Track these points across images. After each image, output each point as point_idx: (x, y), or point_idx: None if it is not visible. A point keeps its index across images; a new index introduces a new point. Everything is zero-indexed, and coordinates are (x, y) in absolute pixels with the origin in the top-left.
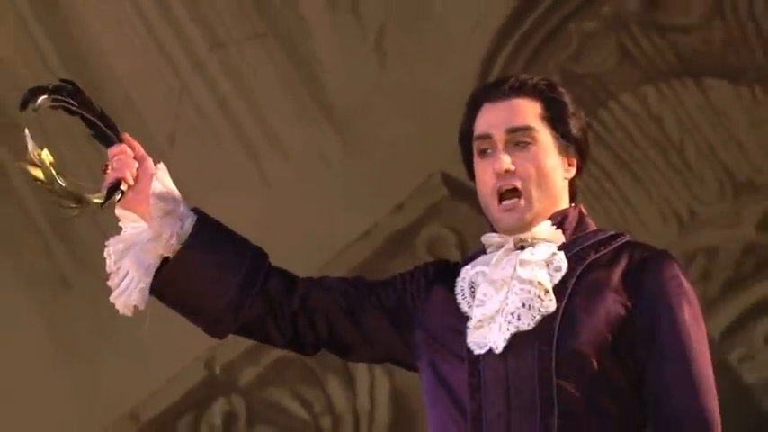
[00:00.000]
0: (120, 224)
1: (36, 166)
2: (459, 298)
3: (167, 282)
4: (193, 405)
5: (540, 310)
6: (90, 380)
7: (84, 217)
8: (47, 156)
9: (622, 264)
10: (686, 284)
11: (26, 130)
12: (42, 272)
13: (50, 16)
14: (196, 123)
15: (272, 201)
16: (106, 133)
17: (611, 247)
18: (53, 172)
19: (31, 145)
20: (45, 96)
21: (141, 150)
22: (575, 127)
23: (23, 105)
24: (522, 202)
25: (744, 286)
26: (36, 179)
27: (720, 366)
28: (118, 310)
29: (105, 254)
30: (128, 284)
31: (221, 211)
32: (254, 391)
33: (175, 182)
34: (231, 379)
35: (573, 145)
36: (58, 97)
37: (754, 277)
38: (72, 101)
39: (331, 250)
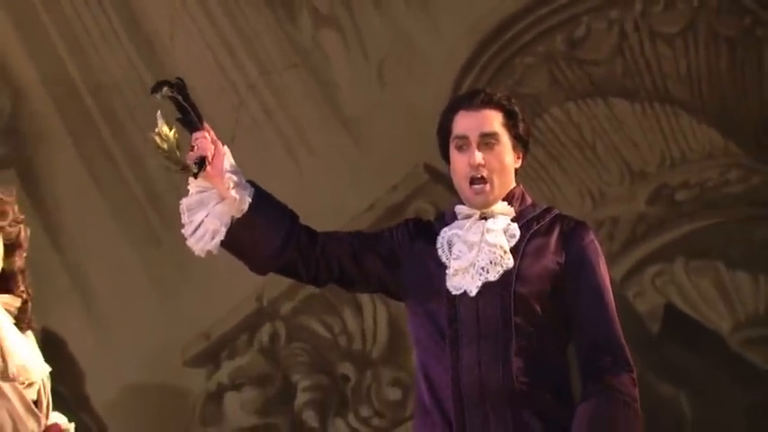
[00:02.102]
0: (188, 188)
1: (162, 139)
2: (439, 251)
3: (233, 235)
4: (248, 328)
5: (502, 266)
6: (175, 309)
7: (171, 191)
8: (173, 133)
9: (556, 232)
10: (598, 246)
11: (158, 112)
12: (141, 232)
13: (146, 48)
14: (249, 127)
15: (303, 184)
16: (194, 120)
17: (547, 220)
18: (174, 145)
19: (160, 123)
20: (166, 87)
21: (215, 136)
22: (523, 131)
23: (153, 91)
24: (488, 187)
25: (636, 244)
26: (159, 148)
27: (621, 301)
28: (195, 262)
29: (180, 210)
30: (203, 235)
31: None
32: (291, 318)
33: None
34: (275, 309)
35: (521, 143)
36: (173, 89)
37: (643, 238)
38: (180, 94)
39: (344, 219)
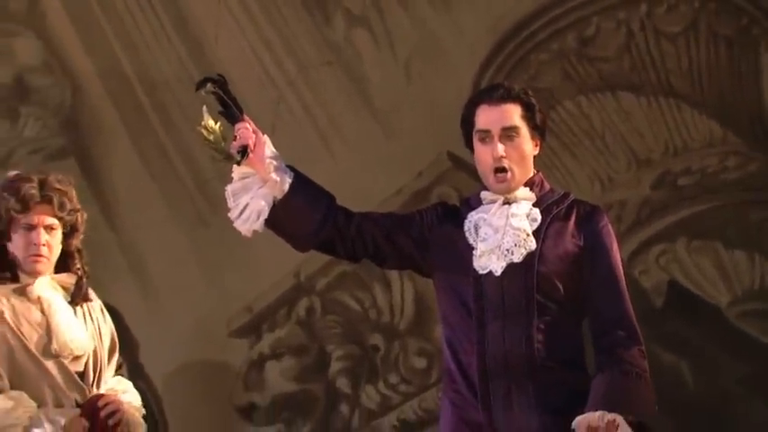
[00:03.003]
0: (232, 175)
1: (208, 131)
2: (467, 234)
3: (275, 214)
4: (286, 302)
5: (525, 248)
6: (219, 285)
7: (217, 178)
8: (218, 126)
9: (573, 216)
10: (612, 230)
11: (204, 107)
12: (189, 215)
13: (194, 48)
14: (288, 119)
15: (337, 170)
16: (235, 112)
17: (565, 205)
18: (221, 137)
19: (206, 117)
20: (210, 84)
21: (255, 127)
22: (540, 121)
23: (198, 88)
24: (509, 175)
25: (642, 226)
26: (206, 140)
27: (627, 278)
28: (238, 242)
29: (226, 195)
30: (248, 216)
31: None
32: (326, 293)
33: None
34: (311, 285)
35: (539, 132)
36: (216, 85)
37: (648, 220)
38: (221, 89)
39: (374, 203)
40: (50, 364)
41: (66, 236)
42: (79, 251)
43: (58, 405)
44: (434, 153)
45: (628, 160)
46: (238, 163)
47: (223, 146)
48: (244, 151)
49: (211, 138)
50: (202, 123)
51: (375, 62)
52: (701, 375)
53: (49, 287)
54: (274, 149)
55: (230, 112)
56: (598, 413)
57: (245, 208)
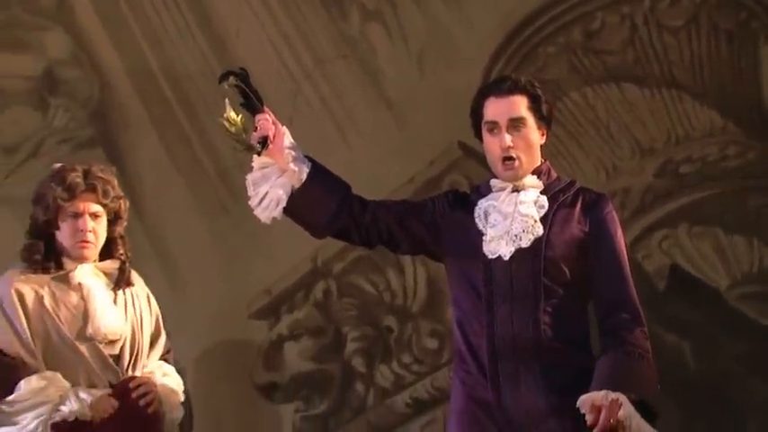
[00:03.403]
0: (252, 164)
1: (230, 123)
2: (477, 220)
3: (293, 202)
4: (304, 285)
5: (533, 234)
6: (240, 269)
7: (237, 168)
8: (239, 118)
9: (579, 203)
10: (616, 216)
11: (226, 100)
12: (211, 203)
13: (216, 43)
14: (306, 110)
15: (352, 159)
16: (256, 104)
17: (571, 192)
18: (242, 129)
19: (228, 109)
20: (232, 77)
21: (275, 118)
22: (547, 111)
23: (221, 81)
24: (517, 163)
25: (645, 212)
26: (227, 131)
27: (631, 263)
28: (258, 229)
29: (246, 184)
30: (267, 204)
31: None
32: (342, 277)
33: None
34: (328, 269)
35: (545, 122)
36: (238, 78)
37: (651, 207)
38: (243, 82)
39: (387, 190)
40: (85, 348)
41: (111, 223)
42: (122, 237)
43: (91, 386)
44: (445, 143)
45: (632, 149)
46: (259, 153)
47: (244, 137)
48: (264, 142)
49: (233, 129)
50: (224, 115)
51: (389, 56)
52: (702, 355)
53: (91, 274)
54: (293, 140)
55: (251, 103)
56: (602, 392)
57: (264, 196)
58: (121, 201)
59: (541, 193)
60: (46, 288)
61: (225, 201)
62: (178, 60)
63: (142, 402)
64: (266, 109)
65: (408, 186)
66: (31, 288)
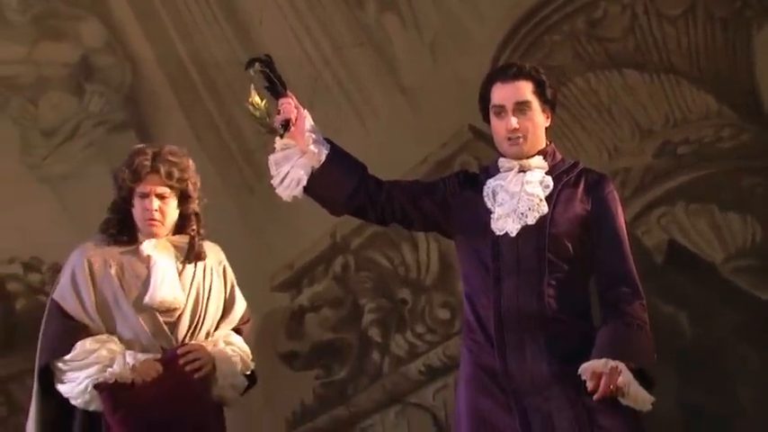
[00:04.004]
0: (275, 146)
1: (254, 107)
2: (485, 199)
3: (313, 182)
4: (323, 260)
5: (539, 212)
6: (264, 244)
7: (261, 149)
8: (263, 103)
9: (582, 183)
10: (617, 196)
11: (251, 85)
12: (237, 182)
13: (240, 32)
14: (325, 95)
15: (369, 141)
16: (280, 89)
17: (574, 173)
18: (266, 112)
19: (253, 94)
20: (258, 63)
21: (297, 102)
22: (551, 95)
23: (247, 67)
24: (521, 140)
25: (644, 191)
26: (252, 115)
27: (631, 238)
28: (280, 207)
29: (269, 164)
30: (289, 183)
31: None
32: (359, 251)
33: None
34: (346, 244)
35: (549, 105)
36: (263, 65)
37: (650, 186)
38: (268, 68)
39: (402, 170)
40: (143, 315)
41: (181, 201)
42: (196, 215)
43: (145, 351)
44: (457, 125)
45: (632, 131)
46: (281, 135)
47: (268, 120)
48: (286, 125)
49: (257, 113)
50: (249, 100)
51: (403, 43)
52: (698, 325)
53: (160, 247)
54: (313, 123)
55: (275, 88)
56: (602, 360)
57: (285, 176)
58: (188, 181)
59: (546, 173)
60: (116, 259)
61: (250, 180)
62: (205, 48)
63: (188, 368)
64: (289, 93)
65: (422, 166)
66: (102, 258)
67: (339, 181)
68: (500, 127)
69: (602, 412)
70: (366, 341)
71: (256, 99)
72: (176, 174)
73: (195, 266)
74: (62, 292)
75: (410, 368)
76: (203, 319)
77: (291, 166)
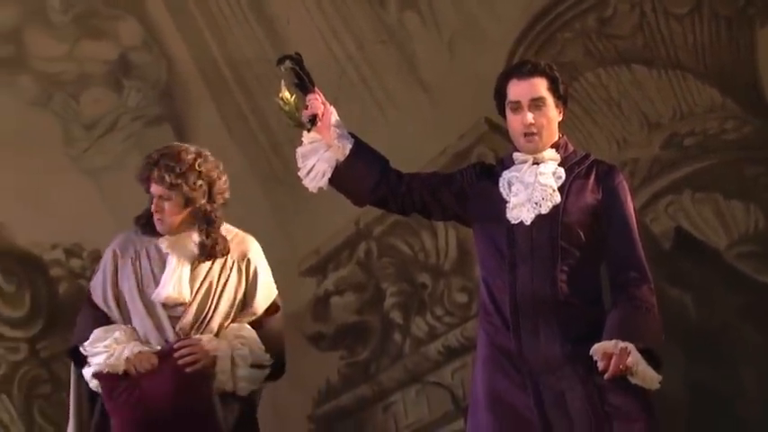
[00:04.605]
0: (302, 139)
1: (284, 102)
2: (501, 189)
3: (337, 174)
4: (348, 246)
5: (552, 202)
6: (291, 231)
7: (288, 143)
8: (293, 98)
9: (593, 174)
10: (627, 185)
11: (282, 81)
12: (265, 172)
13: (269, 30)
14: (349, 90)
15: (390, 134)
16: (308, 85)
17: (586, 164)
18: (294, 107)
19: (283, 89)
20: (288, 60)
21: (324, 98)
22: (564, 91)
23: (278, 63)
24: (537, 137)
25: (652, 181)
26: (282, 109)
27: (640, 225)
28: (307, 196)
29: (296, 156)
30: (315, 175)
31: (363, 139)
32: (382, 238)
33: None
34: (369, 231)
35: (562, 101)
36: (293, 62)
37: (658, 176)
38: (297, 65)
39: (422, 161)
40: (151, 310)
41: (188, 201)
42: (206, 213)
43: (152, 344)
44: (474, 119)
45: (640, 124)
46: (308, 129)
47: (296, 115)
48: (313, 120)
49: (286, 108)
50: (280, 95)
51: (423, 41)
52: (702, 307)
53: (180, 243)
54: (338, 118)
55: (304, 84)
56: (613, 341)
57: (312, 168)
58: (183, 184)
59: (559, 165)
60: (139, 252)
61: (278, 171)
62: (236, 47)
63: (181, 362)
64: (317, 89)
65: (440, 157)
66: (127, 251)
67: (362, 174)
68: (516, 122)
69: (612, 391)
70: (388, 323)
71: (286, 94)
72: (168, 179)
73: (213, 262)
74: (93, 282)
75: (430, 349)
76: (211, 314)
77: (317, 159)
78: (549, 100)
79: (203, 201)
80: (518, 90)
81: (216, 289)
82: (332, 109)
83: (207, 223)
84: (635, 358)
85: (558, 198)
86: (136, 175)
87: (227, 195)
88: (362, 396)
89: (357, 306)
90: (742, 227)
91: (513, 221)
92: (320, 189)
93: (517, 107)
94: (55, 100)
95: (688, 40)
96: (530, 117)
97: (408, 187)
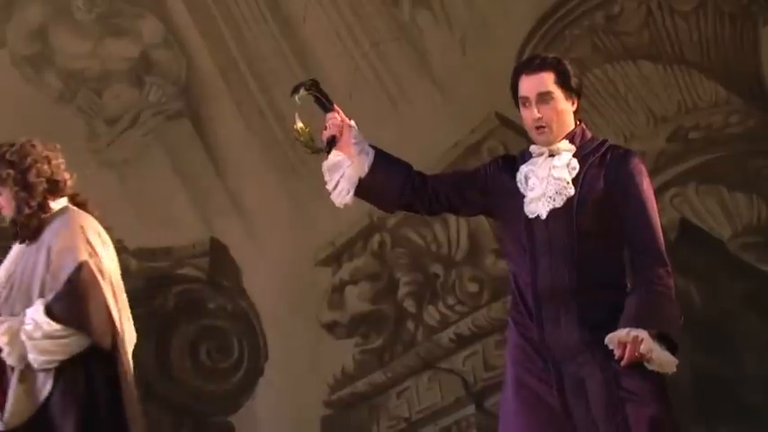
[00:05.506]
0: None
1: (299, 133)
2: (519, 184)
3: (362, 189)
4: (362, 237)
5: (566, 195)
6: (308, 223)
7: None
8: (308, 130)
9: (608, 160)
10: (643, 168)
11: (296, 114)
12: (282, 165)
13: (285, 28)
14: (363, 86)
15: (403, 128)
16: (327, 105)
17: (601, 151)
18: (309, 137)
19: (297, 121)
20: (303, 88)
21: (343, 115)
22: (574, 83)
23: (293, 93)
24: (547, 130)
25: (658, 173)
26: (297, 139)
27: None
28: (323, 188)
29: (323, 170)
30: (340, 191)
31: (377, 134)
32: (395, 230)
33: (352, 118)
34: (382, 223)
35: (574, 92)
36: (309, 89)
37: (664, 168)
38: (313, 88)
39: (434, 155)
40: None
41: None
42: (16, 198)
43: None
44: (484, 113)
45: (647, 118)
46: (327, 153)
47: (312, 143)
48: (332, 141)
49: (302, 139)
50: (295, 127)
51: (435, 38)
52: (707, 296)
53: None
54: (358, 133)
55: (322, 104)
56: (625, 330)
57: (337, 184)
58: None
59: (573, 155)
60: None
61: (294, 163)
62: (253, 42)
63: None
64: (336, 107)
65: (453, 151)
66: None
67: (385, 185)
68: (527, 116)
69: (629, 376)
70: (401, 312)
71: (300, 125)
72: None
73: (28, 246)
74: None
75: (442, 336)
76: (14, 294)
77: (341, 174)
78: (557, 93)
79: (16, 188)
80: (526, 85)
81: (25, 271)
82: (352, 123)
83: (13, 210)
84: (647, 346)
85: (571, 190)
86: None
87: (57, 178)
88: (377, 382)
89: (371, 295)
90: (745, 218)
91: (530, 216)
92: (346, 205)
93: (526, 102)
94: (78, 96)
95: (693, 36)
96: (536, 112)
97: (434, 190)
